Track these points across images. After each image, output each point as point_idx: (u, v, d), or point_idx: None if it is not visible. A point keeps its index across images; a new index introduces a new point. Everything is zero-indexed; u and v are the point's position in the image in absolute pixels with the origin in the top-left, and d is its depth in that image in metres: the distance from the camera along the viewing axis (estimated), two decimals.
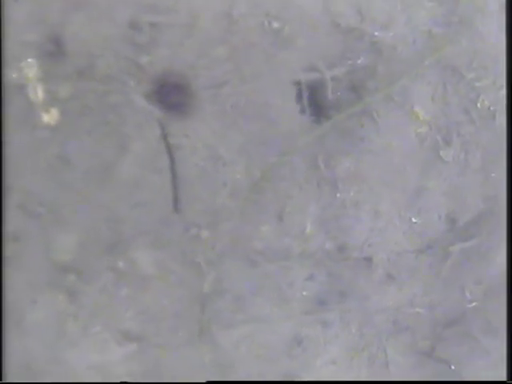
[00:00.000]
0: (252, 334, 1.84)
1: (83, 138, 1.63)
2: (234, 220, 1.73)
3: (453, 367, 2.05)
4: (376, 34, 1.73)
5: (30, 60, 1.61)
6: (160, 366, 1.82)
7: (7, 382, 1.77)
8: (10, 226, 1.63)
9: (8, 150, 1.59)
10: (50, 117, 1.65)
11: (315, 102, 1.74)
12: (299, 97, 1.74)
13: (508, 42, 1.90)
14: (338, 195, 1.80)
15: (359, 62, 1.75)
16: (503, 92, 1.88)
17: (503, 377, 2.03)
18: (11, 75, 1.58)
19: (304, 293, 1.86)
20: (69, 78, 1.60)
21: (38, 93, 1.62)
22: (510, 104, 1.95)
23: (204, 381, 1.83)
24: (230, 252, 1.75)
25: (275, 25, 1.68)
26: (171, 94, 1.65)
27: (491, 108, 1.89)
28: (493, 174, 1.94)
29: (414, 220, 1.91)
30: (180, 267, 1.73)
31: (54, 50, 1.60)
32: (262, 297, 1.82)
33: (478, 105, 1.88)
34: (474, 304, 2.04)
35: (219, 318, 1.80)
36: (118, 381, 1.80)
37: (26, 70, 1.61)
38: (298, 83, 1.73)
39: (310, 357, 1.91)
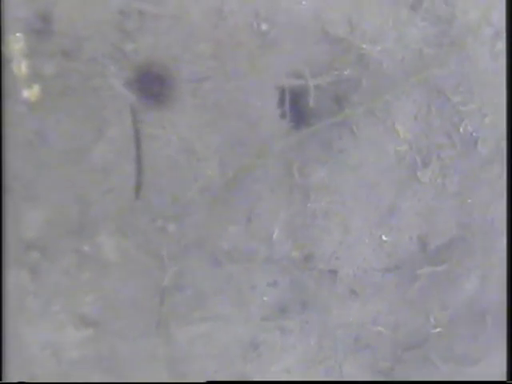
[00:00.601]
0: (209, 332, 1.89)
1: (62, 118, 1.68)
2: (202, 216, 1.78)
3: None
4: (364, 46, 1.78)
5: (18, 34, 1.67)
6: (115, 353, 1.87)
7: (7, 382, 1.84)
8: None
9: None
10: (31, 93, 1.70)
11: (296, 108, 1.80)
12: (281, 101, 1.79)
13: (508, 46, 1.94)
14: (309, 204, 1.85)
15: (345, 73, 1.81)
16: (488, 119, 1.94)
17: None
18: None
19: (265, 298, 1.91)
20: (54, 56, 1.65)
21: (22, 68, 1.68)
22: (509, 104, 1.99)
23: (156, 372, 1.90)
24: (194, 248, 1.80)
25: (264, 27, 1.74)
26: (152, 84, 1.70)
27: (474, 134, 1.94)
28: (469, 201, 1.99)
29: (384, 238, 1.95)
30: (143, 257, 1.78)
31: (42, 27, 1.65)
32: (223, 297, 1.87)
33: (461, 129, 1.92)
34: (437, 330, 2.08)
35: (177, 313, 1.85)
36: (71, 364, 1.86)
37: (13, 44, 1.67)
38: (281, 88, 1.78)
39: (264, 362, 1.95)
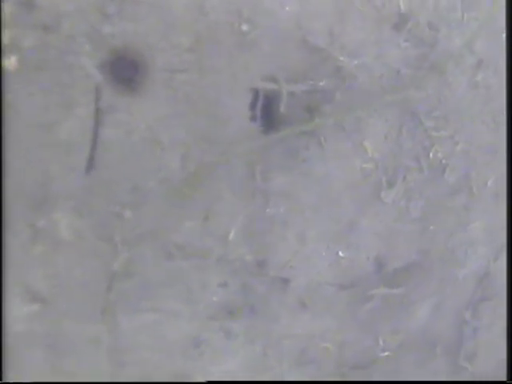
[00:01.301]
0: (154, 324, 1.95)
1: (35, 92, 1.75)
2: (159, 207, 1.84)
3: None
4: (341, 59, 1.84)
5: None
6: (59, 332, 1.93)
7: (7, 382, 1.92)
8: None
9: None
10: (8, 63, 1.78)
11: (267, 112, 1.86)
12: (253, 104, 1.85)
13: (508, 46, 2.00)
14: (268, 210, 1.92)
15: (321, 84, 1.87)
16: (459, 148, 1.99)
17: None
18: None
19: (214, 298, 1.97)
20: (34, 29, 1.72)
21: (2, 38, 1.75)
22: (509, 103, 2.04)
23: (97, 357, 1.95)
24: (148, 238, 1.86)
25: (244, 27, 1.80)
26: (125, 69, 1.77)
27: (443, 161, 2.00)
28: (431, 227, 2.05)
29: (341, 254, 2.01)
30: (96, 240, 1.84)
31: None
32: (172, 291, 1.93)
33: (431, 155, 1.98)
34: (386, 353, 2.14)
35: (125, 301, 1.91)
36: (15, 338, 1.92)
37: None
38: (254, 90, 1.84)
39: (206, 362, 2.01)
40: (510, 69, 2.10)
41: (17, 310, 1.91)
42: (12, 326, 1.92)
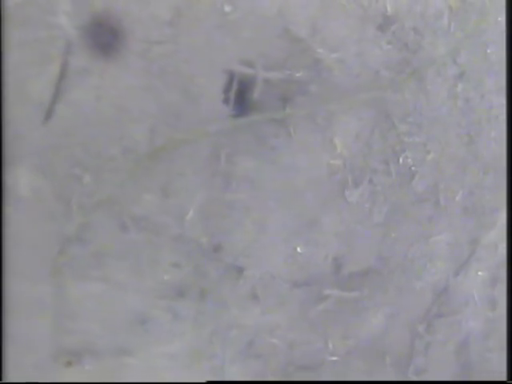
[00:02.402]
0: (101, 294, 2.04)
1: (12, 49, 1.86)
2: (119, 176, 1.95)
3: None
4: (320, 51, 1.94)
5: None
6: (7, 291, 2.03)
7: (7, 382, 2.02)
8: None
9: None
10: None
11: (241, 97, 1.96)
12: (227, 87, 1.96)
13: (508, 43, 2.10)
14: (229, 194, 2.01)
15: (297, 74, 1.97)
16: (430, 157, 2.08)
17: None
18: None
19: (165, 277, 2.06)
20: None
21: None
22: (509, 104, 2.13)
23: (40, 321, 2.05)
24: (105, 205, 1.97)
25: (227, 8, 1.91)
26: (104, 35, 1.88)
27: (413, 168, 2.09)
28: (393, 235, 2.13)
29: (299, 250, 2.10)
30: (53, 201, 1.95)
31: None
32: (123, 263, 2.03)
33: (401, 160, 2.08)
34: (334, 358, 2.22)
35: (74, 267, 2.01)
36: None
37: None
38: (230, 73, 1.95)
39: (149, 341, 2.11)
40: (510, 69, 2.19)
41: None
42: None
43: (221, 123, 1.99)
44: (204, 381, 2.20)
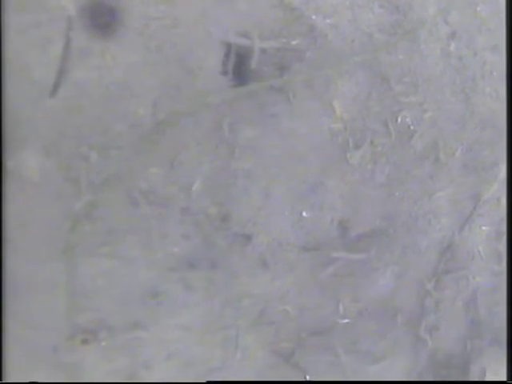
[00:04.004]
0: (113, 270, 2.28)
1: (14, 36, 2.09)
2: (126, 152, 2.18)
3: (308, 377, 2.46)
4: (314, 17, 2.17)
5: None
6: (19, 273, 2.25)
7: (7, 382, 2.24)
8: None
9: None
10: None
11: (239, 67, 2.20)
12: (226, 58, 2.20)
13: (508, 38, 2.34)
14: (233, 163, 2.25)
15: (293, 43, 2.21)
16: (428, 115, 2.32)
17: None
18: None
19: (175, 249, 2.29)
20: None
21: None
22: (509, 103, 2.38)
23: (53, 299, 2.27)
24: (113, 182, 2.20)
25: None
26: (102, 14, 2.11)
27: (411, 127, 2.34)
28: (396, 193, 2.36)
29: (304, 214, 2.34)
30: (62, 181, 2.17)
31: None
32: (133, 237, 2.27)
33: (399, 120, 2.32)
34: (345, 320, 2.45)
35: (85, 244, 2.24)
36: None
37: None
38: (227, 44, 2.18)
39: (162, 313, 2.35)
40: (509, 68, 2.44)
41: None
42: None
43: (221, 94, 2.23)
44: (219, 349, 2.44)
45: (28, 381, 2.28)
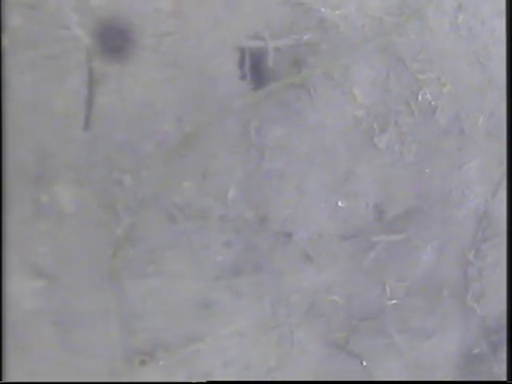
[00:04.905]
0: (161, 288, 2.28)
1: (24, 69, 2.08)
2: (157, 170, 2.18)
3: (364, 363, 2.50)
4: (323, 10, 2.20)
5: None
6: (67, 306, 2.25)
7: (7, 382, 2.22)
8: None
9: None
10: None
11: (256, 69, 2.21)
12: (241, 62, 2.20)
13: (508, 38, 2.38)
14: (265, 164, 2.26)
15: (305, 37, 2.22)
16: (446, 89, 2.35)
17: (412, 380, 2.48)
18: None
19: (219, 257, 2.31)
20: (21, 8, 2.06)
21: None
22: (509, 102, 2.42)
23: (107, 327, 2.29)
24: (149, 202, 2.20)
25: None
26: (114, 38, 2.11)
27: (432, 103, 2.36)
28: (427, 170, 2.40)
29: (340, 204, 2.36)
30: (98, 209, 2.18)
31: None
32: (176, 253, 2.27)
33: (420, 97, 2.34)
34: (393, 301, 2.49)
35: (130, 267, 2.24)
36: (22, 315, 2.25)
37: None
38: (241, 49, 2.19)
39: (216, 323, 2.36)
40: (510, 68, 2.47)
41: (23, 287, 2.23)
42: (19, 304, 2.24)
43: (243, 99, 2.24)
44: (275, 349, 2.47)
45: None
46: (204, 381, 2.43)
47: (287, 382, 2.51)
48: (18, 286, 2.21)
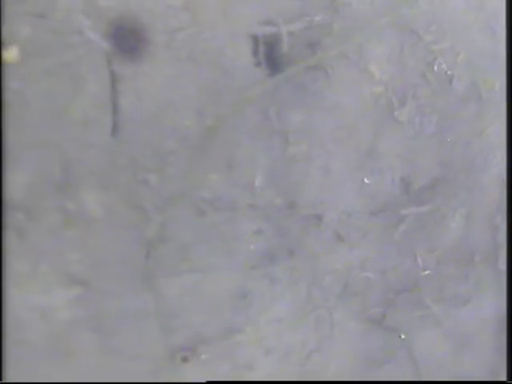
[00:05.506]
0: (196, 283, 2.28)
1: (40, 78, 2.06)
2: (182, 166, 2.17)
3: (403, 336, 2.52)
4: None
5: None
6: (104, 312, 2.24)
7: (7, 382, 2.19)
8: None
9: None
10: (9, 54, 2.10)
11: (270, 55, 2.20)
12: (255, 50, 2.19)
13: (508, 37, 2.39)
14: (289, 149, 2.26)
15: (317, 19, 2.22)
16: (461, 57, 2.36)
17: (452, 349, 2.51)
18: None
19: (251, 246, 2.31)
20: (30, 17, 2.05)
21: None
22: (509, 100, 2.43)
23: (146, 328, 2.29)
24: (177, 199, 2.19)
25: None
26: (127, 38, 2.10)
27: (448, 72, 2.36)
28: (449, 140, 2.41)
29: (366, 181, 2.37)
30: (127, 211, 2.17)
31: None
32: (208, 247, 2.26)
33: (435, 68, 2.34)
34: (427, 272, 2.50)
35: (164, 266, 2.24)
36: (61, 325, 2.25)
37: None
38: (254, 36, 2.18)
39: (254, 312, 2.36)
40: (510, 67, 2.48)
41: (58, 297, 2.24)
42: (56, 313, 2.24)
43: (260, 86, 2.23)
44: (314, 331, 2.49)
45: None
46: (245, 371, 2.46)
47: (291, 382, 2.54)
48: (52, 296, 2.21)
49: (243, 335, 2.38)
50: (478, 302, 2.66)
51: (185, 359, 2.37)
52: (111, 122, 2.09)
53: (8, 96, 2.03)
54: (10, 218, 2.11)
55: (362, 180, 2.37)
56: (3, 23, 2.02)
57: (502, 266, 2.68)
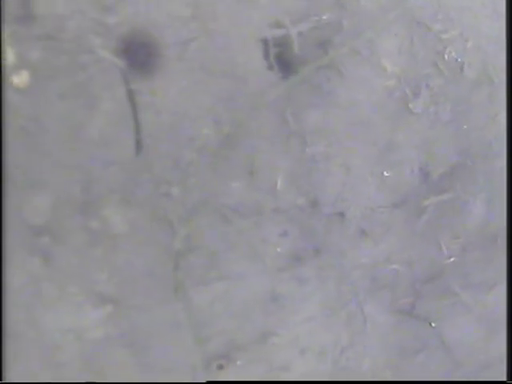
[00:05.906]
0: (226, 291, 2.29)
1: (54, 101, 2.06)
2: (203, 176, 2.18)
3: (433, 325, 2.54)
4: None
5: None
6: (136, 327, 2.25)
7: (7, 382, 2.18)
8: None
9: None
10: (20, 79, 2.10)
11: (282, 58, 2.20)
12: (266, 53, 2.19)
13: (508, 39, 2.40)
14: (308, 149, 2.27)
15: (324, 17, 2.22)
16: (470, 44, 2.37)
17: (484, 333, 2.53)
18: None
19: (278, 249, 2.32)
20: (39, 40, 2.04)
21: (9, 56, 2.07)
22: (509, 100, 2.45)
23: (179, 339, 2.30)
24: (201, 208, 2.20)
25: None
26: (139, 53, 2.10)
27: (459, 60, 2.37)
28: (464, 126, 2.43)
29: (386, 174, 2.38)
30: (152, 225, 2.17)
31: (22, 13, 2.04)
32: (236, 253, 2.27)
33: (446, 57, 2.35)
34: (452, 259, 2.52)
35: (193, 276, 2.24)
36: (95, 344, 2.26)
37: None
38: (264, 40, 2.18)
39: (286, 314, 2.36)
40: (510, 66, 2.49)
41: (90, 317, 2.24)
42: (88, 333, 2.25)
43: (274, 89, 2.23)
44: (345, 328, 2.51)
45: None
46: (281, 372, 2.47)
47: (291, 382, 2.55)
48: (83, 316, 2.22)
49: (277, 338, 2.39)
50: (504, 286, 2.68)
51: (220, 367, 2.37)
52: (134, 141, 2.10)
53: (23, 122, 2.04)
54: (35, 243, 2.12)
55: (382, 173, 2.38)
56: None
57: None
